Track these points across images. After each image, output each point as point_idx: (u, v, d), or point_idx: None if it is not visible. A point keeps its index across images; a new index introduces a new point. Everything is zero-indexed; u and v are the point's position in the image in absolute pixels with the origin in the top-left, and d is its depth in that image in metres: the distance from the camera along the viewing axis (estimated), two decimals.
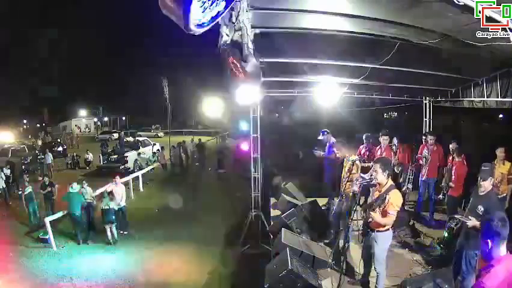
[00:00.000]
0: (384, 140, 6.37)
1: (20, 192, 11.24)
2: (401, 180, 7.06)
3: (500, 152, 5.43)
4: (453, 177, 5.73)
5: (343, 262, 4.10)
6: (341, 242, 4.92)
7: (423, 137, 7.01)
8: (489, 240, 1.98)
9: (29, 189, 8.98)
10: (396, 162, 6.95)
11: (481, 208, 3.54)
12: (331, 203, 6.97)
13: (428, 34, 3.68)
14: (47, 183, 9.30)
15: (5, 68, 33.29)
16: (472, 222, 3.49)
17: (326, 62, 5.69)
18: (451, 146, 6.20)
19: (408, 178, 7.14)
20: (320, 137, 7.05)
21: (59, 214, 8.20)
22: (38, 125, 34.08)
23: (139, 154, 16.33)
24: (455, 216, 4.10)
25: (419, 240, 5.54)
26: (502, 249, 1.99)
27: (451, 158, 6.05)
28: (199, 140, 19.11)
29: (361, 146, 7.02)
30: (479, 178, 3.67)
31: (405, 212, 6.25)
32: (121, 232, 8.10)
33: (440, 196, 6.51)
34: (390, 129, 7.82)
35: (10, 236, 8.10)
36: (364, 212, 3.83)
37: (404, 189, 7.01)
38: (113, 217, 7.62)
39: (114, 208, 7.76)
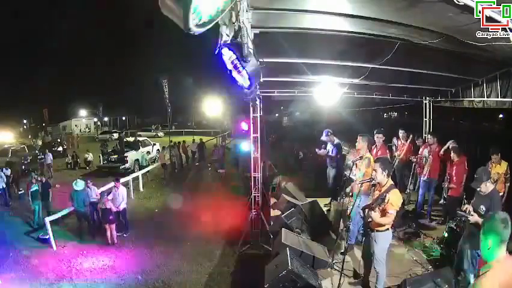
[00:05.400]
0: (378, 138, 6.36)
1: (20, 192, 11.30)
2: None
3: (494, 157, 5.48)
4: (454, 178, 5.73)
5: (343, 262, 4.10)
6: (342, 242, 4.94)
7: (425, 137, 7.03)
8: (490, 240, 1.97)
9: (35, 187, 8.98)
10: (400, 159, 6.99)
11: (482, 208, 3.55)
12: (333, 203, 6.99)
13: (428, 34, 3.68)
14: (44, 183, 9.31)
15: (5, 68, 33.35)
16: (474, 218, 3.50)
17: (326, 62, 5.69)
18: (450, 144, 6.19)
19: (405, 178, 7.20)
20: (323, 138, 7.05)
21: (60, 214, 8.22)
22: (38, 125, 34.06)
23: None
24: (458, 212, 4.11)
25: (419, 240, 5.55)
26: (502, 251, 1.97)
27: (450, 158, 6.05)
28: (200, 139, 19.10)
29: None
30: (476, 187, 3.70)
31: (406, 212, 6.25)
32: (120, 234, 8.05)
33: (441, 201, 6.49)
34: (390, 129, 7.83)
35: (10, 236, 8.08)
36: (363, 212, 3.83)
37: (406, 191, 7.03)
38: (111, 217, 7.54)
39: (113, 209, 7.68)
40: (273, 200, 7.95)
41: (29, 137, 28.79)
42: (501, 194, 5.26)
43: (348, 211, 4.70)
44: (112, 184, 8.87)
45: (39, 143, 22.55)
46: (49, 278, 6.24)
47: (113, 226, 7.61)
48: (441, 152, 6.31)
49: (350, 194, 4.98)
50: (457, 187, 5.60)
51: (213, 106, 26.70)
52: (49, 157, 15.47)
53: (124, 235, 8.12)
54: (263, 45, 4.22)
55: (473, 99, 6.41)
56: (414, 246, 5.34)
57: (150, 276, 6.27)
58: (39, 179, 9.42)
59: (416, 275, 4.32)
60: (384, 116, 44.28)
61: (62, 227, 8.52)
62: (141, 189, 12.51)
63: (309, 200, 6.92)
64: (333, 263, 4.69)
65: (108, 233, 7.58)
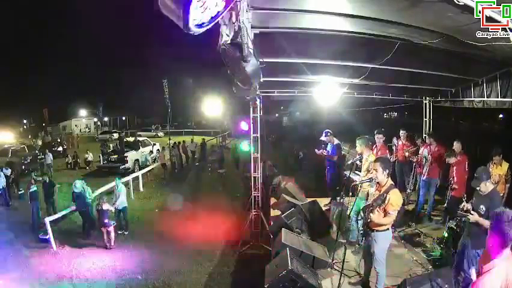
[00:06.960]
0: (378, 138, 6.36)
1: (20, 192, 11.30)
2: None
3: (495, 158, 5.46)
4: (455, 178, 5.71)
5: (343, 262, 4.10)
6: (342, 242, 4.93)
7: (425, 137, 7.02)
8: (494, 238, 1.96)
9: (34, 188, 8.96)
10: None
11: (482, 208, 3.54)
12: (332, 203, 6.98)
13: (428, 34, 3.68)
14: (47, 183, 9.31)
15: (5, 68, 33.37)
16: (474, 217, 3.50)
17: (326, 62, 5.69)
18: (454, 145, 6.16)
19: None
20: (323, 138, 7.04)
21: (59, 214, 8.22)
22: (38, 125, 34.04)
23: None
24: (458, 212, 4.11)
25: (419, 240, 5.54)
26: (506, 250, 1.96)
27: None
28: (203, 139, 19.05)
29: None
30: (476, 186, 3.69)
31: (406, 212, 6.25)
32: (120, 232, 8.09)
33: (445, 206, 6.44)
34: (390, 129, 7.82)
35: (10, 236, 8.08)
36: (363, 212, 3.82)
37: (407, 192, 7.02)
38: (108, 220, 7.39)
39: (111, 210, 7.60)
40: (273, 200, 7.95)
41: (29, 137, 28.75)
42: (501, 194, 5.26)
43: (348, 211, 4.70)
44: (112, 184, 8.88)
45: (39, 143, 22.53)
46: (49, 278, 6.24)
47: (111, 229, 7.44)
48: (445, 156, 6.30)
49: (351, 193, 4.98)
50: (459, 188, 5.59)
51: (212, 106, 26.68)
52: (49, 157, 15.48)
53: (125, 233, 8.18)
54: (263, 45, 4.22)
55: (473, 99, 6.41)
56: (414, 246, 5.33)
57: (150, 276, 6.28)
58: (39, 179, 9.41)
59: (416, 275, 4.31)
60: (385, 116, 44.37)
61: (62, 227, 8.52)
62: (141, 189, 12.51)
63: (309, 200, 6.91)
64: (333, 263, 4.69)
65: (105, 236, 7.43)
